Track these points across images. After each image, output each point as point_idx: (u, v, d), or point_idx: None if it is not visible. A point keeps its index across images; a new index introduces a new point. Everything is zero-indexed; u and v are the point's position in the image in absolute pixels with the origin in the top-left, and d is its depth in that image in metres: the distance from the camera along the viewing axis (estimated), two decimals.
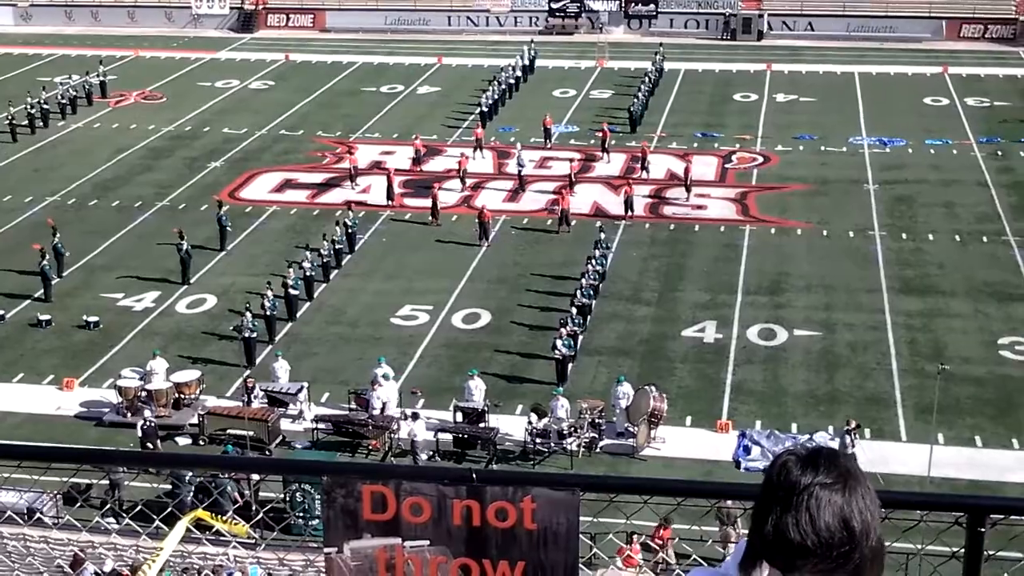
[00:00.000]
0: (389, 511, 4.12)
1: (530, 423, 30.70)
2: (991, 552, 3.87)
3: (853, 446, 28.74)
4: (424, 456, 30.67)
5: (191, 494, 25.51)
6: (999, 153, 52.99)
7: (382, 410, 31.44)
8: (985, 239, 43.68)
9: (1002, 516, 3.82)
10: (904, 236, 44.08)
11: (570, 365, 34.43)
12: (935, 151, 53.63)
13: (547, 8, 78.93)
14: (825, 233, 44.52)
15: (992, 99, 61.61)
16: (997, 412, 32.27)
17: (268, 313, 36.68)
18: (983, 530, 3.74)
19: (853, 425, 29.27)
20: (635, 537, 23.13)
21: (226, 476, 25.23)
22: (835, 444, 29.91)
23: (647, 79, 62.60)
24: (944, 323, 37.40)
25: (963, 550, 3.79)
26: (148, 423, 30.36)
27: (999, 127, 56.62)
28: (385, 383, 32.25)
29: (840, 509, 3.05)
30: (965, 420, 31.65)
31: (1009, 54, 71.20)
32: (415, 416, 30.86)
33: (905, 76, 66.46)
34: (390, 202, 47.77)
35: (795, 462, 3.14)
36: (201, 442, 31.40)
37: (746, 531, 3.26)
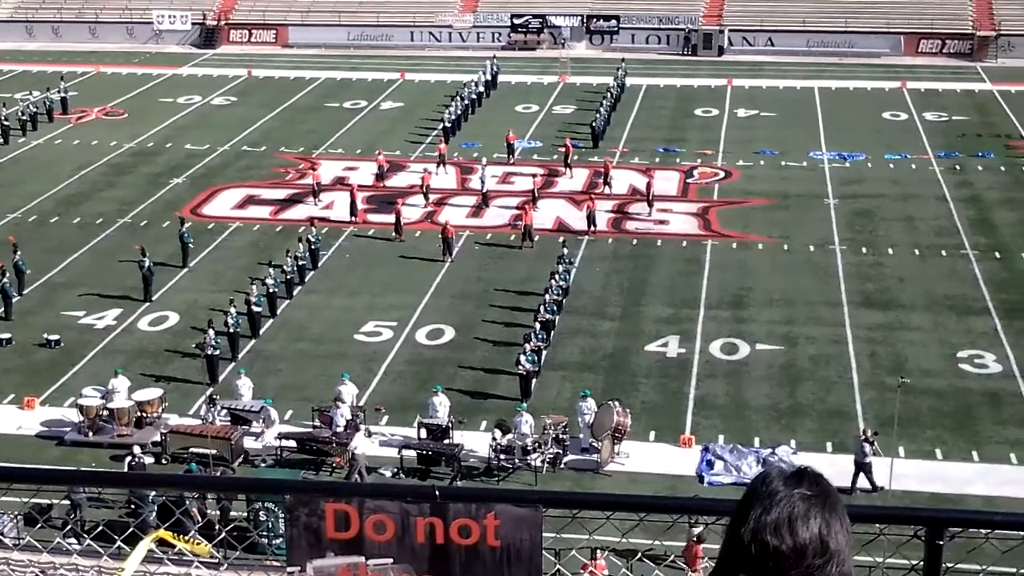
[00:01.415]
0: (352, 529, 4.13)
1: (494, 439, 30.68)
2: (950, 564, 3.91)
3: (873, 454, 28.92)
4: (388, 473, 30.58)
5: (153, 513, 25.30)
6: (957, 167, 53.47)
7: (346, 427, 31.33)
8: (944, 253, 44.05)
9: (960, 529, 3.87)
10: (864, 250, 44.38)
11: (534, 381, 34.42)
12: (894, 165, 54.07)
13: (509, 24, 79.12)
14: (786, 247, 44.77)
15: (950, 114, 62.20)
16: (957, 425, 32.50)
17: (231, 330, 36.50)
18: (941, 543, 3.78)
19: (870, 433, 29.38)
20: (599, 553, 23.13)
21: (190, 496, 25.05)
22: (797, 458, 30.09)
23: (609, 94, 62.82)
24: (904, 336, 37.66)
25: (922, 563, 3.83)
26: (136, 460, 29.86)
27: (957, 141, 57.15)
28: (345, 386, 32.49)
29: (818, 522, 3.09)
30: (925, 433, 31.87)
31: (967, 69, 71.93)
32: (356, 428, 30.80)
33: (864, 91, 67.02)
34: (353, 218, 47.69)
35: (779, 474, 3.19)
36: (164, 461, 31.16)
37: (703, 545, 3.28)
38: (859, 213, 48.20)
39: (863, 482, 29.10)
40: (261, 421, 31.67)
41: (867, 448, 29.00)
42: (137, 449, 30.30)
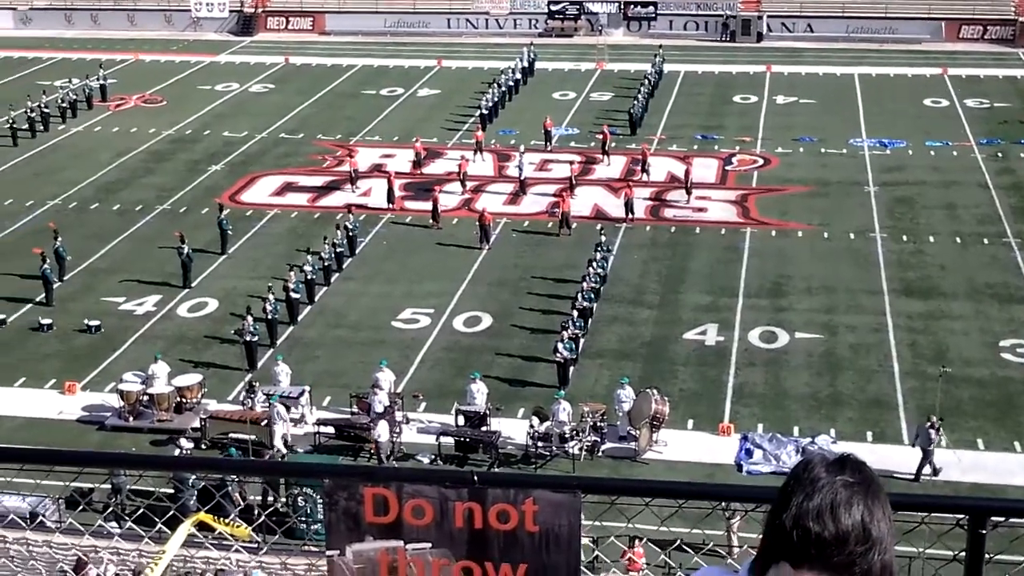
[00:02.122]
0: (391, 514, 4.13)
1: (532, 427, 30.70)
2: (992, 555, 3.88)
3: (940, 443, 28.81)
4: (426, 460, 30.68)
5: (193, 497, 25.50)
6: (999, 155, 52.99)
7: (383, 414, 31.43)
8: (986, 241, 43.69)
9: (1003, 518, 3.83)
10: (905, 238, 44.08)
11: (571, 368, 34.42)
12: (935, 152, 53.64)
13: (546, 10, 78.96)
14: (826, 235, 44.52)
15: (992, 100, 61.61)
16: (999, 414, 32.26)
17: (269, 316, 36.69)
18: (984, 532, 3.74)
19: (935, 420, 29.26)
20: (637, 540, 23.12)
21: (229, 479, 25.21)
22: (837, 448, 29.96)
23: (647, 81, 62.61)
24: (945, 325, 37.40)
25: (964, 552, 3.79)
26: (183, 452, 30.04)
27: (999, 128, 56.62)
28: (383, 372, 32.51)
29: (861, 509, 3.07)
30: (967, 422, 31.63)
31: (1008, 55, 71.21)
32: (382, 416, 30.81)
33: (905, 77, 66.48)
34: (391, 205, 47.80)
35: (821, 460, 3.18)
36: (203, 446, 31.37)
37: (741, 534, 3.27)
38: (900, 200, 47.86)
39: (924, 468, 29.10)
40: (276, 415, 31.24)
41: (933, 435, 28.90)
42: (183, 441, 30.51)
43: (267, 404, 31.50)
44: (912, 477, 28.83)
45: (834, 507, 3.06)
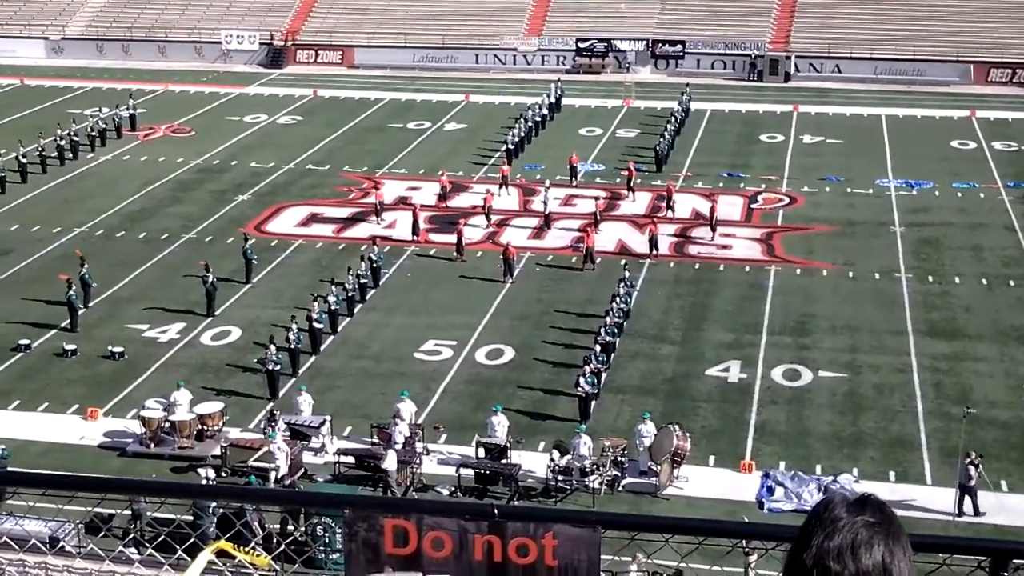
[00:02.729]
0: (411, 545, 4.14)
1: (552, 460, 30.62)
2: None
3: (979, 476, 28.69)
4: (446, 492, 30.61)
5: (213, 525, 25.49)
6: None
7: (404, 445, 31.41)
8: (1012, 283, 43.47)
9: None
10: (930, 279, 43.91)
11: (593, 403, 34.35)
12: (962, 194, 53.48)
13: (575, 47, 79.27)
14: (851, 275, 44.39)
15: (1020, 143, 61.43)
16: (1023, 457, 31.99)
17: (292, 346, 36.76)
18: (1006, 575, 3.72)
19: (975, 456, 29.16)
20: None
21: (250, 508, 25.19)
22: (859, 487, 29.76)
23: (673, 119, 62.71)
24: (970, 366, 37.19)
25: None
26: (207, 481, 29.95)
27: None
28: (404, 403, 32.55)
29: (882, 550, 3.07)
30: (991, 464, 31.31)
31: None
32: (390, 445, 30.80)
33: (932, 119, 66.39)
34: (415, 237, 47.92)
35: (842, 500, 3.18)
36: (224, 473, 31.39)
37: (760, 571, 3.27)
38: (925, 241, 47.71)
39: (967, 506, 29.07)
40: (277, 449, 30.98)
41: (972, 471, 28.77)
42: (205, 471, 30.48)
43: (320, 423, 31.67)
44: (954, 513, 28.67)
45: (855, 547, 3.06)
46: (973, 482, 28.86)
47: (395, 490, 30.02)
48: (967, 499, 29.03)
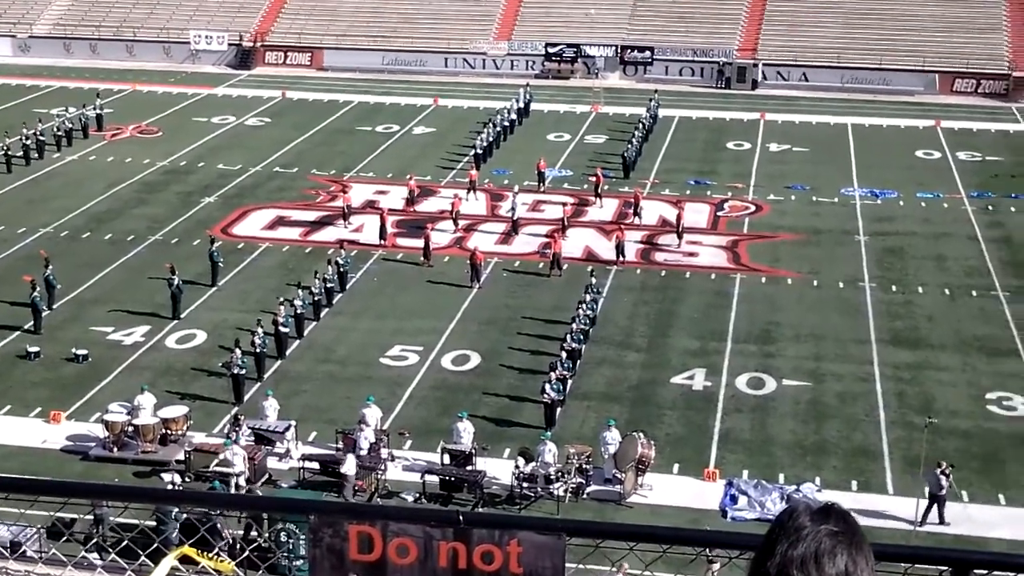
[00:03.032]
0: (375, 552, 4.13)
1: (517, 467, 30.63)
2: None
3: (949, 487, 28.88)
4: (410, 498, 30.56)
5: (176, 530, 25.37)
6: (990, 208, 53.24)
7: (369, 450, 31.34)
8: (975, 293, 43.82)
9: (986, 571, 3.84)
10: (894, 288, 44.20)
11: (559, 409, 34.39)
12: (926, 204, 53.88)
13: (544, 52, 79.38)
14: (815, 283, 44.63)
15: (984, 154, 61.95)
16: (984, 467, 32.26)
17: (258, 350, 36.62)
18: None
19: (945, 466, 29.39)
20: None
21: (215, 513, 25.10)
22: (822, 496, 29.91)
23: (641, 125, 62.89)
24: (933, 376, 37.45)
25: None
26: (175, 487, 29.81)
27: (990, 182, 56.90)
28: (369, 409, 32.47)
29: (845, 559, 3.09)
30: (952, 474, 31.59)
31: (1001, 109, 71.63)
32: (351, 450, 30.78)
33: (898, 129, 66.86)
34: (382, 241, 47.85)
35: (806, 509, 3.19)
36: (187, 478, 31.22)
37: None
38: (890, 251, 48.02)
39: (933, 515, 29.28)
40: (232, 455, 30.88)
41: (943, 481, 28.98)
42: (169, 476, 30.33)
43: (284, 428, 31.60)
44: (917, 523, 28.82)
45: (818, 556, 3.08)
46: (943, 491, 29.07)
47: (348, 496, 29.83)
48: (934, 508, 29.21)
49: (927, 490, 29.25)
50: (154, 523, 25.89)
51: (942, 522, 29.13)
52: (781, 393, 36.21)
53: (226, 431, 32.90)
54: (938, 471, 29.18)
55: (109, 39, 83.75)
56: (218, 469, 30.38)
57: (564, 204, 51.88)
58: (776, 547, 3.14)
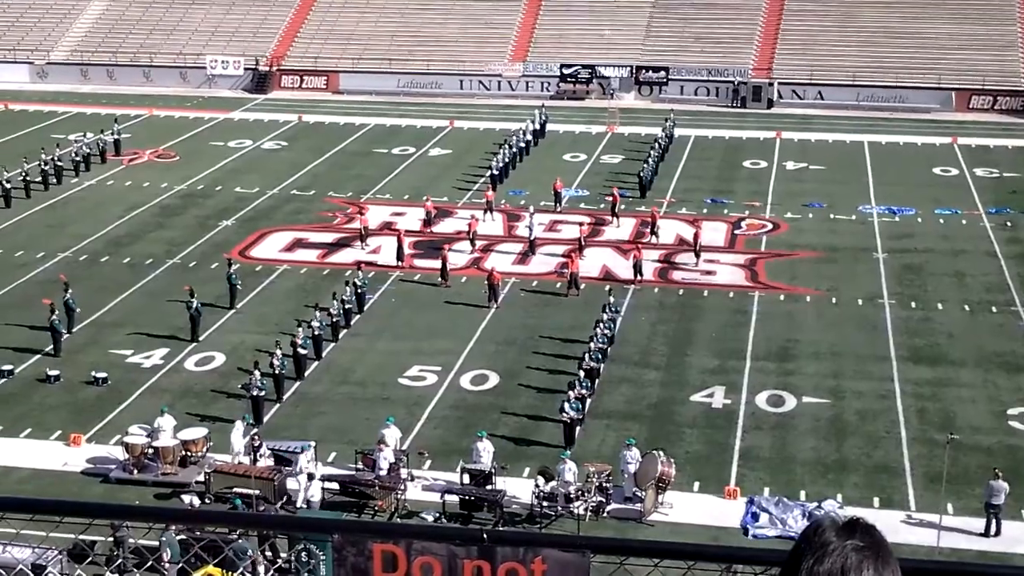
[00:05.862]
0: (399, 570, 4.14)
1: (537, 486, 30.58)
2: None
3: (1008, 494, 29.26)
4: (431, 518, 30.53)
5: (171, 550, 25.37)
6: (1008, 224, 53.06)
7: (389, 470, 31.34)
8: (994, 309, 43.65)
9: None
10: (913, 305, 44.06)
11: (578, 428, 34.33)
12: (944, 220, 53.73)
13: (559, 74, 79.53)
14: (834, 300, 44.51)
15: (1001, 170, 61.79)
16: (1006, 482, 32.01)
17: (277, 372, 36.68)
18: None
19: (999, 473, 29.68)
20: None
21: (237, 533, 25.09)
22: (844, 513, 29.75)
23: (657, 145, 62.91)
24: (953, 392, 37.29)
25: None
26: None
27: (1008, 198, 56.73)
28: (389, 429, 32.49)
29: (871, 574, 3.08)
30: (974, 490, 31.41)
31: (1018, 126, 71.44)
32: (311, 476, 30.94)
33: (915, 146, 66.73)
34: (400, 263, 47.92)
35: (832, 524, 3.19)
36: (207, 500, 31.26)
37: None
38: (908, 267, 47.89)
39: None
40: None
41: (1005, 487, 29.17)
42: (189, 497, 30.46)
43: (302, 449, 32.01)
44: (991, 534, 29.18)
45: (844, 571, 3.08)
46: (1002, 500, 29.28)
47: (303, 497, 30.40)
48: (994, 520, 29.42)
49: (986, 502, 29.39)
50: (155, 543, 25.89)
51: (997, 532, 29.35)
52: (801, 411, 36.09)
53: (245, 452, 32.89)
54: (995, 482, 29.35)
55: (126, 65, 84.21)
56: (242, 490, 30.40)
57: (581, 224, 51.90)
58: (802, 563, 3.14)
